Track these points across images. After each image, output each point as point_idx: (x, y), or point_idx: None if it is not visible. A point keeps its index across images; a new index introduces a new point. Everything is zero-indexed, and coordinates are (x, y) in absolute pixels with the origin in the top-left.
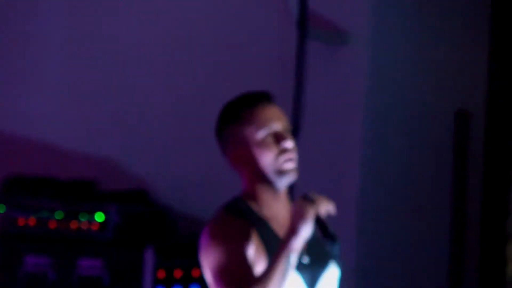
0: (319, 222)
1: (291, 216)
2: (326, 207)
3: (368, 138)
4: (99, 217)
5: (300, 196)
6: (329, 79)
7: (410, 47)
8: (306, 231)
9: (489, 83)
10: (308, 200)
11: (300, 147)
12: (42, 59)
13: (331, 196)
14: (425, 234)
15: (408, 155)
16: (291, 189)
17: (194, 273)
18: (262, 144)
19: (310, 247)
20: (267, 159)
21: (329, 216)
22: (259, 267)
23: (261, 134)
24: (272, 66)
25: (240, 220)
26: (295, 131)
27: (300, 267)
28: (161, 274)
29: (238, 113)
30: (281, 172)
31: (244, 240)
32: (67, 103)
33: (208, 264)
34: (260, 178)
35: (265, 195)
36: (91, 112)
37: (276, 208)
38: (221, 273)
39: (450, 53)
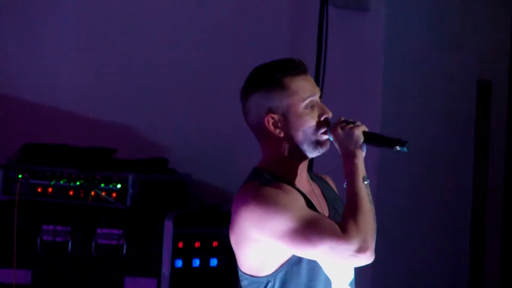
0: (373, 137)
1: (341, 141)
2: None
3: (388, 107)
4: (118, 185)
5: (337, 122)
6: (348, 46)
7: (431, 14)
8: (363, 149)
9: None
10: (350, 122)
11: None
12: (59, 25)
13: None
14: (446, 198)
15: (428, 124)
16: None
17: (214, 244)
18: (304, 114)
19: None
20: (308, 129)
21: None
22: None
23: (304, 104)
24: (293, 32)
25: (277, 182)
26: None
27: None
28: (180, 245)
29: (280, 80)
30: (319, 143)
31: (296, 195)
32: (85, 71)
33: (271, 231)
34: (292, 146)
35: (294, 164)
36: (110, 81)
37: (303, 177)
38: (298, 232)
39: (471, 21)
